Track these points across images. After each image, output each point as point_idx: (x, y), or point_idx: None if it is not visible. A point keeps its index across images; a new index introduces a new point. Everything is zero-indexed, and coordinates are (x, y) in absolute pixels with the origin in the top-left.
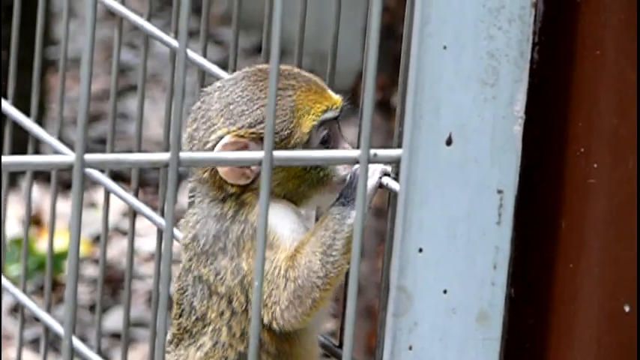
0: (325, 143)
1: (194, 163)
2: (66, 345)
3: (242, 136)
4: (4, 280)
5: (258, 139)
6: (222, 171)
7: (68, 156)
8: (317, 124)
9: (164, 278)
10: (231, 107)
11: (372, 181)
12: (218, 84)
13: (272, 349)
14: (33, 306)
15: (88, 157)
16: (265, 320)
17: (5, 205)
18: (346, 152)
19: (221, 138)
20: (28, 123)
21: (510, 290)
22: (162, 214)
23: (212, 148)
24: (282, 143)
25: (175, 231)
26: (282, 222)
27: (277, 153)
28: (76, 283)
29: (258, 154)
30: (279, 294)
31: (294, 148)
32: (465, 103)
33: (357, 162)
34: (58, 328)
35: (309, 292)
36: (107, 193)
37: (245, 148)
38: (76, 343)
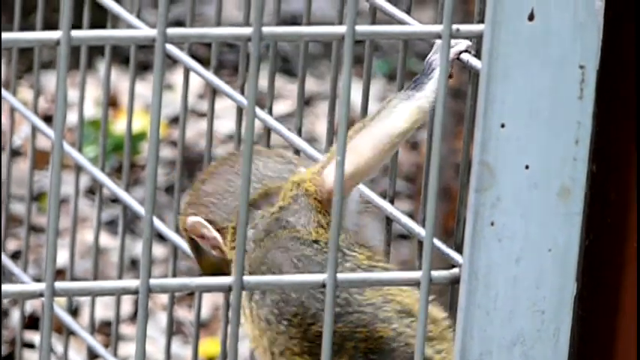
0: None
1: (275, 37)
2: (147, 220)
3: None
4: (82, 160)
5: None
6: None
7: (150, 30)
8: None
9: (245, 159)
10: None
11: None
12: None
13: None
14: (112, 185)
15: (170, 31)
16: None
17: (83, 87)
18: (429, 27)
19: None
20: (107, 1)
21: (592, 166)
22: (242, 93)
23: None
24: None
25: (257, 109)
26: None
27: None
28: (157, 157)
29: None
30: None
31: None
32: None
33: (439, 37)
34: (138, 208)
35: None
36: (186, 70)
37: None
38: (156, 222)
